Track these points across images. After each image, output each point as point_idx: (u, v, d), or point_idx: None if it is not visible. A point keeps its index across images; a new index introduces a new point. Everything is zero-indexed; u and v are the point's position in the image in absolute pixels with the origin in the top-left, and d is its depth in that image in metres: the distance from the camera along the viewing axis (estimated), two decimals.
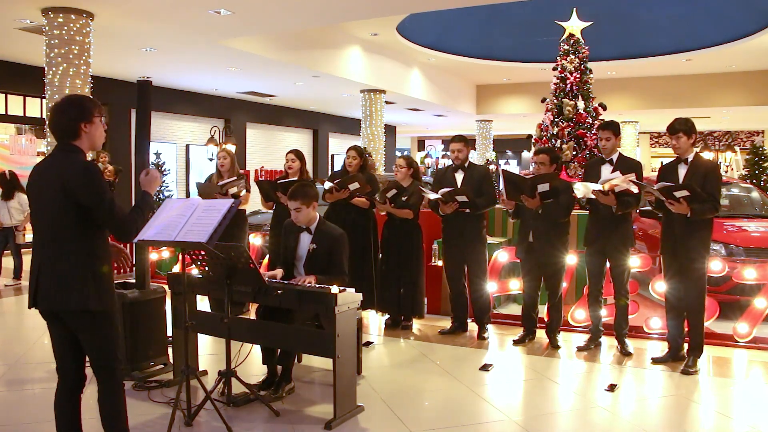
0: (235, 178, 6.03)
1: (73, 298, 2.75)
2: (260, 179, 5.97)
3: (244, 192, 6.05)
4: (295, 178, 5.73)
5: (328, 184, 5.70)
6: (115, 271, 8.95)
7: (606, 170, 5.11)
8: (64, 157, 2.83)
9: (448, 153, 5.98)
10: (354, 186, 5.62)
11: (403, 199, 5.67)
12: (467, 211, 5.45)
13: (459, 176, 5.59)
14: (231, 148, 13.41)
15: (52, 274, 2.77)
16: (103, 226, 2.86)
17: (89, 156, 2.92)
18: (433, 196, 5.47)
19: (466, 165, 5.61)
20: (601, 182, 4.91)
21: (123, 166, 11.31)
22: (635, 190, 4.76)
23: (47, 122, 2.92)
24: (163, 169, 14.51)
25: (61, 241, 2.78)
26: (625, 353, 5.10)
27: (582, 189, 4.99)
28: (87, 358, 2.94)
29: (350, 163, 5.91)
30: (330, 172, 6.08)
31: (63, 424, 2.91)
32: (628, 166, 5.08)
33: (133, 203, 3.07)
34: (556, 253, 5.29)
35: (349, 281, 4.20)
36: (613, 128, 5.17)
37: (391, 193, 5.62)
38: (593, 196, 4.93)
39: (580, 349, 5.27)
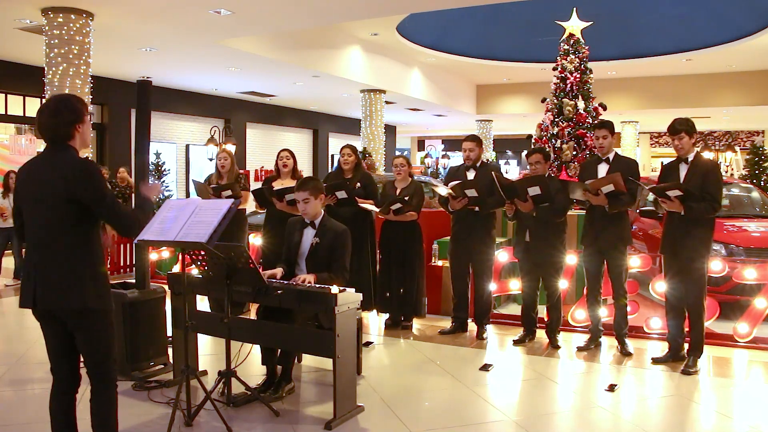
0: (227, 183, 6.04)
1: (73, 297, 2.74)
2: (255, 189, 5.99)
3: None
4: (292, 185, 5.69)
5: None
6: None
7: (602, 169, 5.12)
8: (60, 156, 2.79)
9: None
10: (341, 195, 5.63)
11: (405, 198, 5.68)
12: (476, 209, 5.46)
13: (470, 175, 5.59)
14: (231, 148, 13.41)
15: (51, 274, 2.76)
16: (106, 222, 2.86)
17: (86, 155, 2.93)
18: (443, 191, 5.49)
19: (478, 165, 5.62)
20: (588, 183, 4.92)
21: (123, 167, 11.30)
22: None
23: (36, 124, 2.88)
24: (163, 169, 14.49)
25: (58, 241, 2.76)
26: (625, 353, 5.10)
27: (577, 190, 5.02)
28: (80, 358, 2.92)
29: (346, 161, 5.89)
30: (329, 172, 6.08)
31: (57, 425, 2.89)
32: (623, 164, 5.09)
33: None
34: (553, 252, 5.29)
35: (349, 278, 4.20)
36: (610, 127, 5.20)
37: (395, 206, 5.62)
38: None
39: (580, 349, 5.27)
